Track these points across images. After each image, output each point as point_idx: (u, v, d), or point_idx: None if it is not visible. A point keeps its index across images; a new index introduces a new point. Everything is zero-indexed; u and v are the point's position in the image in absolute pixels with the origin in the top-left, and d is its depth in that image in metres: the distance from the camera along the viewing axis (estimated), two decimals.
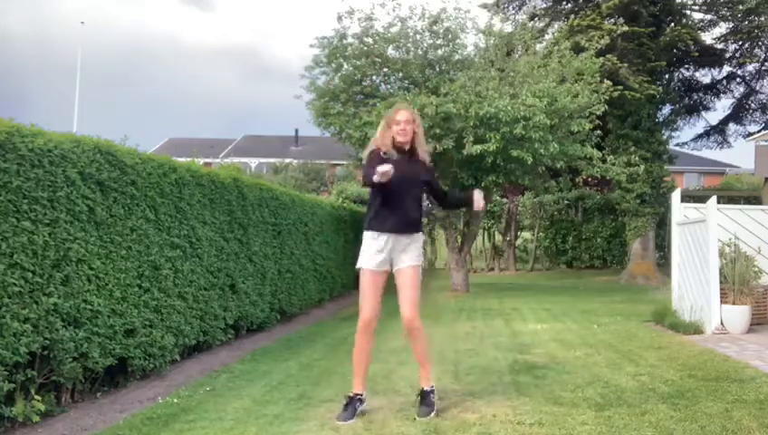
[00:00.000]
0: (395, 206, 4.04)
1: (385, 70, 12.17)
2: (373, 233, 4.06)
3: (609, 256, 19.02)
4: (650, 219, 15.76)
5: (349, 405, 3.93)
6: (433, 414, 3.87)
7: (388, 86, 12.44)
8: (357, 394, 3.98)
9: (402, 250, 4.05)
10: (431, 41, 12.16)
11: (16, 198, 3.85)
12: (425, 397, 3.98)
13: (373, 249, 4.04)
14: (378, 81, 12.48)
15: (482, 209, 4.01)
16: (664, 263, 15.59)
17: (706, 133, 20.10)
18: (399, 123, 4.09)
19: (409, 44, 12.11)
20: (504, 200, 19.57)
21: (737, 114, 19.42)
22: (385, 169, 3.74)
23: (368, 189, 4.22)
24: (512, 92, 10.85)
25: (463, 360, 5.67)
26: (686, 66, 18.06)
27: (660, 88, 15.31)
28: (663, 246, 16.54)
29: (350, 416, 3.85)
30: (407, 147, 4.13)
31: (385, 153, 4.10)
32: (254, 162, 37.98)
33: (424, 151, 4.21)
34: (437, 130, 10.69)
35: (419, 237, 4.15)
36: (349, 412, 3.88)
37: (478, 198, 4.14)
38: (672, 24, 15.80)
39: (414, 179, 4.12)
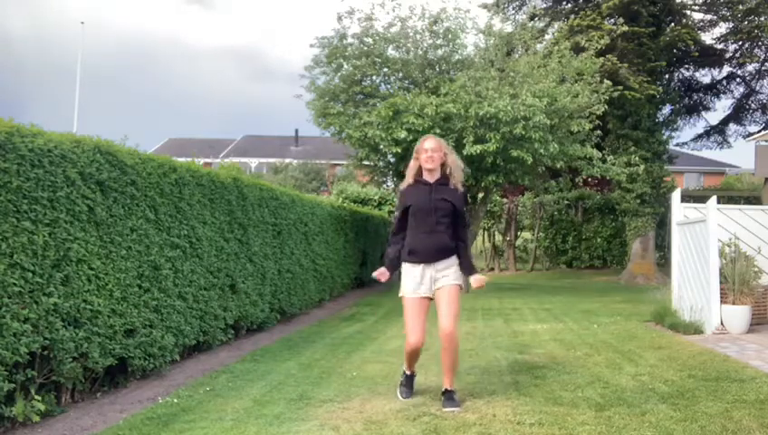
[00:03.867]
0: (424, 235, 4.23)
1: (385, 70, 12.18)
2: (408, 265, 4.27)
3: (609, 256, 19.02)
4: (650, 219, 15.76)
5: (407, 382, 4.46)
6: (458, 410, 4.02)
7: (388, 86, 12.46)
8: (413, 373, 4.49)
9: (440, 275, 4.23)
10: (431, 41, 12.17)
11: (16, 198, 3.85)
12: (449, 396, 4.17)
13: (412, 278, 4.23)
14: (378, 81, 12.49)
15: (480, 286, 4.29)
16: (664, 263, 15.60)
17: (706, 133, 20.11)
18: (427, 151, 4.29)
19: (409, 44, 12.12)
20: (504, 200, 19.58)
21: (737, 114, 19.42)
22: (378, 275, 4.31)
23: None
24: (512, 92, 10.86)
25: (463, 360, 5.66)
26: (686, 66, 18.07)
27: (660, 88, 15.32)
28: (663, 246, 16.55)
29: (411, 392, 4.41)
30: (436, 174, 4.31)
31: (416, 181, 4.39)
32: (254, 162, 37.99)
33: (457, 179, 4.35)
34: (437, 130, 10.69)
35: (455, 260, 4.28)
36: (410, 389, 4.44)
37: (474, 280, 4.30)
38: (672, 24, 15.81)
39: (439, 205, 4.24)
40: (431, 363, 5.46)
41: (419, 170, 4.36)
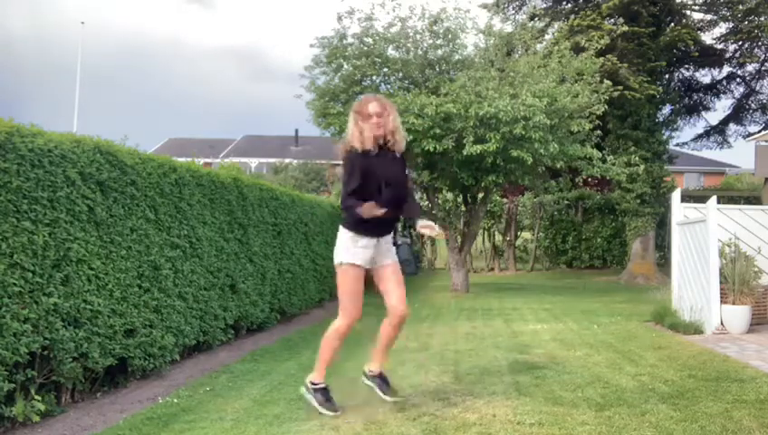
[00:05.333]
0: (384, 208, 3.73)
1: (385, 70, 12.17)
2: (356, 235, 3.81)
3: (609, 256, 19.01)
4: (650, 219, 15.75)
5: (327, 394, 3.97)
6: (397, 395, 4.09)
7: (388, 86, 12.45)
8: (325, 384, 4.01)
9: (385, 250, 3.94)
10: (431, 41, 12.16)
11: (16, 198, 3.85)
12: (386, 379, 4.13)
13: (357, 245, 3.81)
14: (378, 81, 12.48)
15: (431, 233, 3.88)
16: (664, 263, 15.59)
17: (706, 133, 20.09)
18: (372, 117, 3.79)
19: (409, 44, 12.11)
20: (504, 200, 19.57)
21: (737, 114, 19.41)
22: (373, 211, 3.60)
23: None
24: (512, 92, 10.85)
25: (463, 360, 5.67)
26: (686, 66, 18.06)
27: (660, 88, 15.31)
28: (663, 246, 16.54)
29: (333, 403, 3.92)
30: (382, 140, 3.87)
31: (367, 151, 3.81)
32: (254, 162, 37.97)
33: (401, 139, 3.94)
34: (437, 130, 10.69)
35: (390, 236, 4.04)
36: (333, 401, 3.94)
37: (422, 224, 3.87)
38: (672, 24, 15.81)
39: (399, 178, 3.90)
40: (431, 363, 5.47)
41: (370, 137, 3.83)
